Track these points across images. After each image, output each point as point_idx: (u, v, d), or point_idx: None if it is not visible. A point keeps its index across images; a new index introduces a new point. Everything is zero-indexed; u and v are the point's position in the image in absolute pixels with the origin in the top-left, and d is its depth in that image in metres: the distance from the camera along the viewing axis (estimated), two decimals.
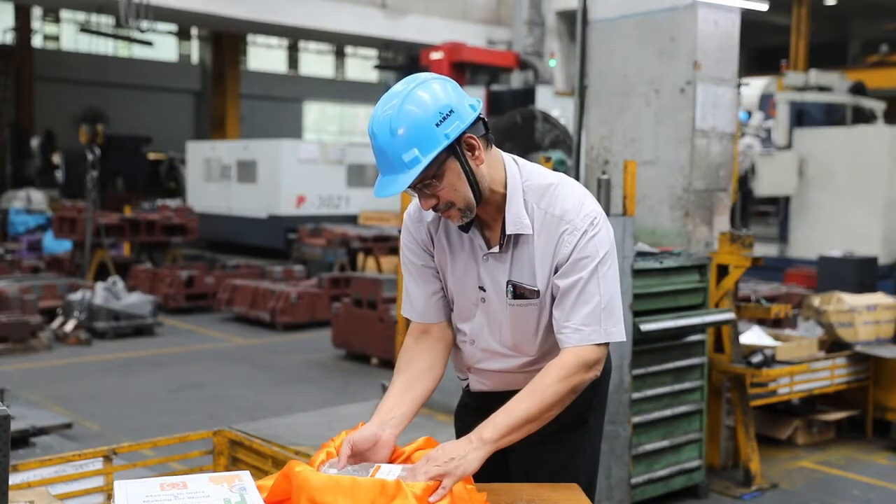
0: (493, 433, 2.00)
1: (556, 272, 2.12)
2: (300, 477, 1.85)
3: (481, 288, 2.21)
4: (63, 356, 8.78)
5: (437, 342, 2.29)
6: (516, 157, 2.21)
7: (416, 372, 2.24)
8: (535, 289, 2.15)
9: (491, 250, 2.17)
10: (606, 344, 2.12)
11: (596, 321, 2.08)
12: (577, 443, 2.31)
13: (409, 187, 2.02)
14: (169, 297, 11.35)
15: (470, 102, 2.06)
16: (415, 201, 2.27)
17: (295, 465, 1.90)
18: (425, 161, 1.97)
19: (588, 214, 2.10)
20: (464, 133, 2.03)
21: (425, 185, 2.03)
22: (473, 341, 2.30)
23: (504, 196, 2.13)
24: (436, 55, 16.73)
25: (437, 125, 1.98)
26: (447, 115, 1.99)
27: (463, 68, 16.79)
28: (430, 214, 2.24)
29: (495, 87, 16.79)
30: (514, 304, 2.18)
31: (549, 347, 2.20)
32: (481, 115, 2.08)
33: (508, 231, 2.12)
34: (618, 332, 2.12)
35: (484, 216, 2.16)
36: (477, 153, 2.06)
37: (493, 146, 2.16)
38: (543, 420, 2.07)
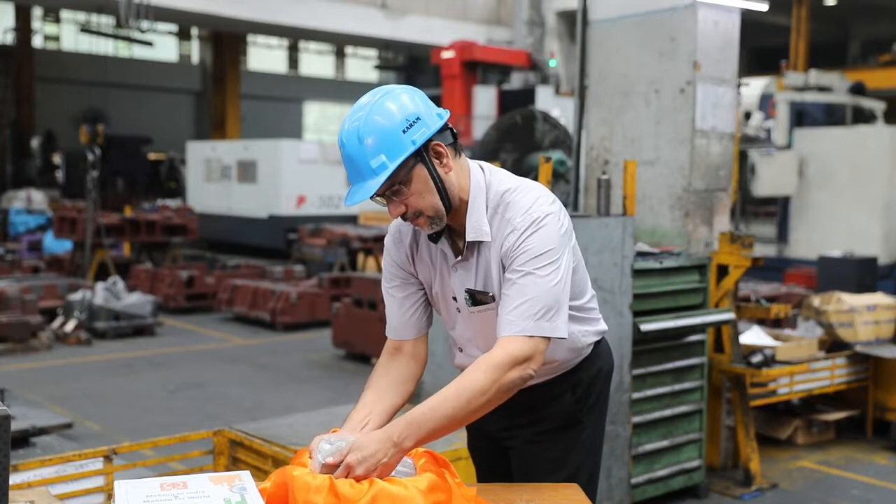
0: (416, 437, 1.96)
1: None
2: (299, 481, 1.85)
3: (454, 298, 2.24)
4: (63, 356, 8.78)
5: (410, 360, 2.29)
6: (485, 163, 2.22)
7: (386, 384, 2.24)
8: (491, 294, 2.15)
9: (458, 259, 2.18)
10: (545, 340, 2.06)
11: (529, 314, 2.04)
12: (572, 442, 2.32)
13: (377, 195, 2.04)
14: (169, 297, 11.35)
15: (437, 111, 2.09)
16: (394, 223, 2.29)
17: (292, 470, 1.90)
18: (392, 166, 1.99)
19: (531, 213, 2.08)
20: (430, 140, 2.05)
21: (394, 191, 2.05)
22: (461, 349, 2.34)
23: (469, 202, 2.14)
24: (447, 54, 16.72)
25: (404, 132, 2.01)
26: (414, 122, 2.02)
27: (474, 67, 16.77)
28: (409, 235, 2.26)
29: (506, 87, 16.77)
30: (474, 311, 2.20)
31: None
32: (449, 125, 2.11)
33: (468, 238, 2.13)
34: (552, 329, 2.06)
35: (454, 225, 2.18)
36: (445, 160, 2.09)
37: (463, 155, 2.18)
38: (469, 420, 2.03)
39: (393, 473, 1.95)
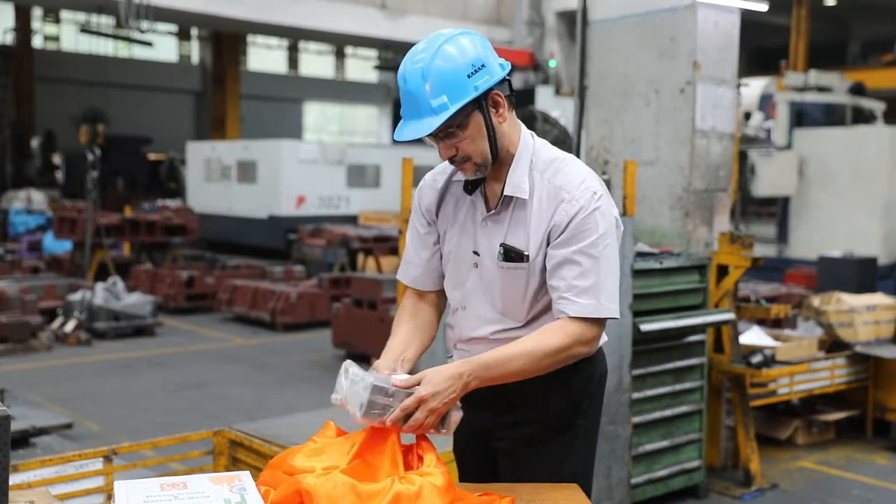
0: (482, 380, 2.06)
1: (549, 241, 2.15)
2: (320, 490, 1.83)
3: (476, 252, 2.25)
4: (63, 356, 8.78)
5: (433, 308, 2.38)
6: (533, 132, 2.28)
7: (416, 326, 2.33)
8: (526, 253, 2.18)
9: (490, 213, 2.22)
10: (602, 322, 2.13)
11: (594, 296, 2.10)
12: (567, 445, 2.28)
13: (430, 135, 2.08)
14: (169, 298, 11.35)
15: (500, 62, 2.14)
16: (430, 173, 2.36)
17: (306, 478, 1.87)
18: (453, 108, 2.04)
19: (588, 188, 2.14)
20: (491, 89, 2.10)
21: (448, 133, 2.10)
22: (465, 307, 2.30)
23: (514, 158, 2.20)
24: None
25: (469, 76, 2.06)
26: (479, 68, 2.08)
27: None
28: (443, 182, 2.32)
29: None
30: (504, 267, 2.21)
31: (536, 315, 2.22)
32: (508, 77, 2.16)
33: (507, 192, 2.18)
34: (614, 310, 2.14)
35: (492, 178, 2.22)
36: (501, 111, 2.15)
37: (514, 109, 2.23)
38: (528, 377, 2.12)
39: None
